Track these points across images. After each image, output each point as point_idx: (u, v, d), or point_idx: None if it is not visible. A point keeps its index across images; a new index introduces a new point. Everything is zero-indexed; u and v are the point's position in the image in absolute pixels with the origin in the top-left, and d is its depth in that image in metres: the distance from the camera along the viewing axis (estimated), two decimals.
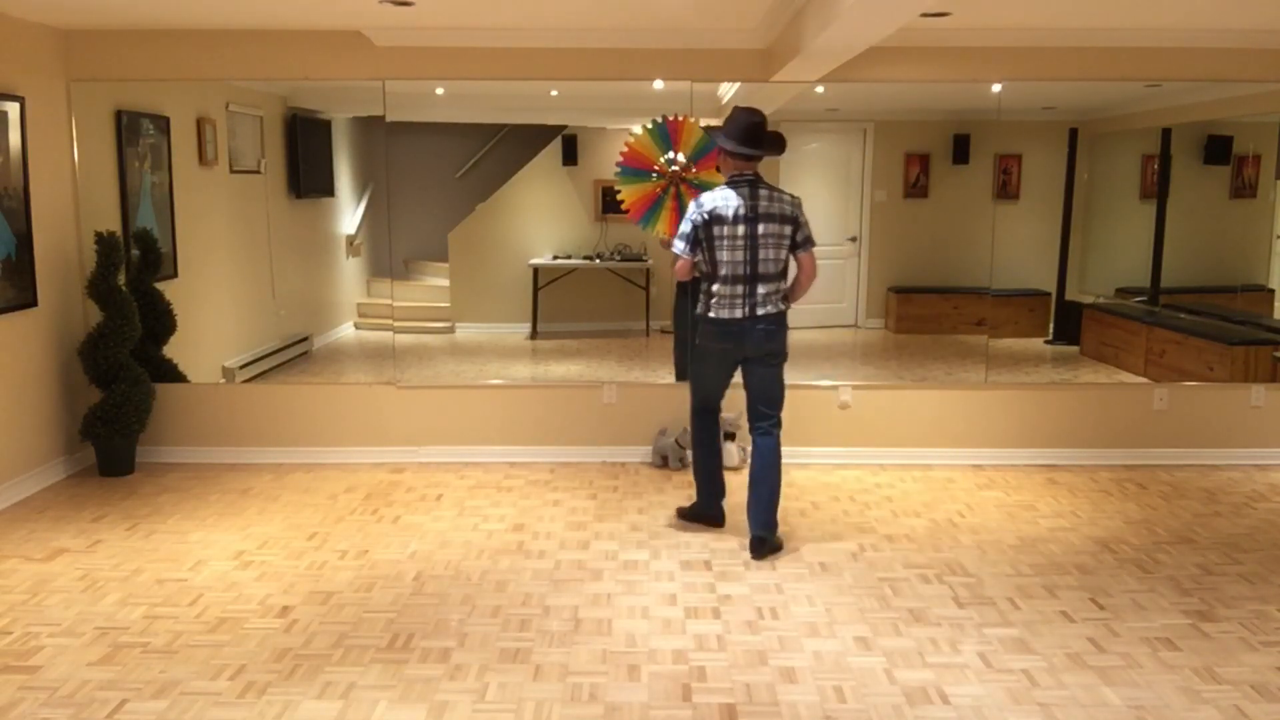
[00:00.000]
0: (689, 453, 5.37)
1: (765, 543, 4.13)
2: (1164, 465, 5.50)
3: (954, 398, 5.55)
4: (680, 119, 5.05)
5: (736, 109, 4.11)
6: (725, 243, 4.04)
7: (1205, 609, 3.65)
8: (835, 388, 5.54)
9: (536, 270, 6.38)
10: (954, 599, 3.73)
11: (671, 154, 5.10)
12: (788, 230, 4.07)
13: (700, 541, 4.32)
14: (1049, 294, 6.10)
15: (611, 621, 3.54)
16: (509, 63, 5.28)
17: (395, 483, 5.16)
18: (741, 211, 4.02)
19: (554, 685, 3.09)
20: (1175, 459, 5.55)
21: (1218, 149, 5.81)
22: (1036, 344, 6.11)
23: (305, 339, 6.01)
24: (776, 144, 4.17)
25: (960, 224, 5.89)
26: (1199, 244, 5.97)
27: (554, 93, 5.52)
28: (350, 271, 6.23)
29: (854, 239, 6.10)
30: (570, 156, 6.16)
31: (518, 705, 2.97)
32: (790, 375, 5.75)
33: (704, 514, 4.49)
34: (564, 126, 6.11)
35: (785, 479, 5.22)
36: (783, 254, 4.08)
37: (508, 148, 6.15)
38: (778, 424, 4.23)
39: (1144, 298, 6.02)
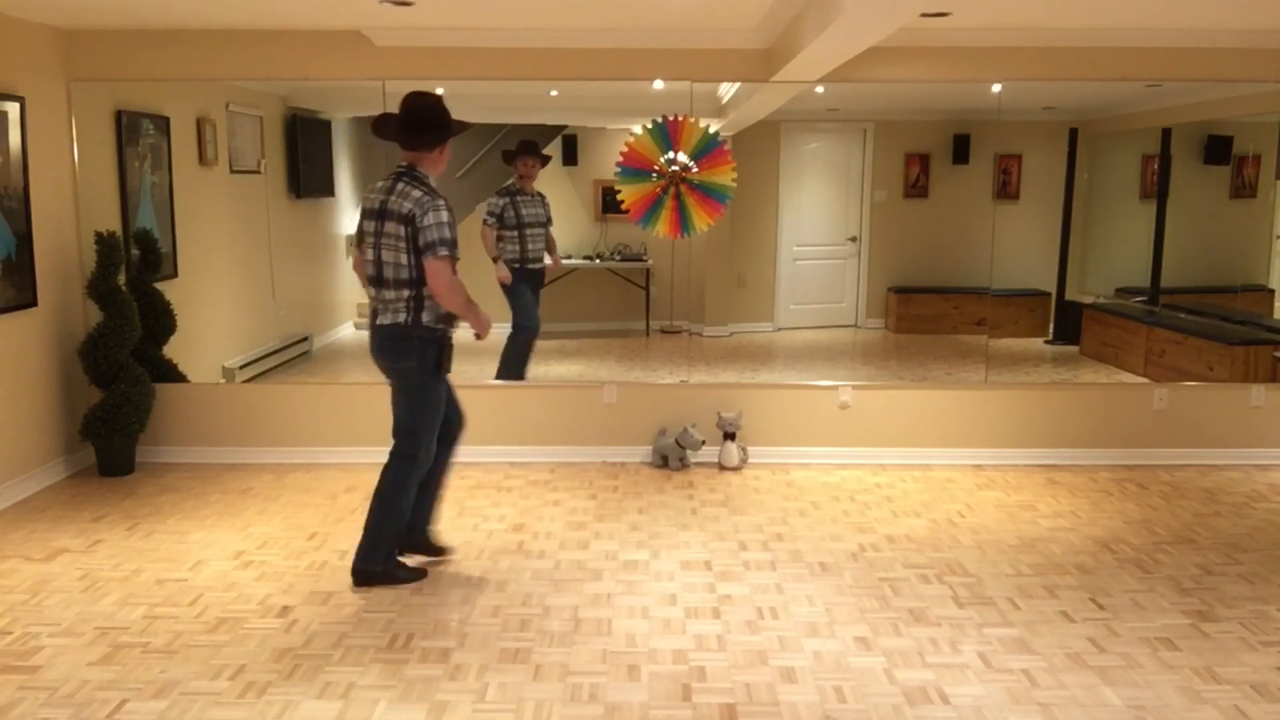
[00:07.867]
0: (689, 453, 5.38)
1: (358, 573, 3.82)
2: (1164, 465, 5.50)
3: (954, 398, 5.55)
4: (680, 119, 5.06)
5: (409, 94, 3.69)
6: (367, 239, 3.71)
7: (1205, 609, 3.65)
8: (835, 388, 5.54)
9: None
10: (954, 599, 3.73)
11: (671, 154, 5.11)
12: (403, 231, 3.57)
13: (700, 541, 4.32)
14: (1049, 294, 6.10)
15: (611, 621, 3.54)
16: (509, 63, 5.28)
17: None
18: (374, 206, 3.66)
19: (554, 685, 3.09)
20: (1175, 459, 5.55)
21: (1218, 149, 5.81)
22: (1036, 344, 6.12)
23: (305, 339, 6.01)
24: (429, 128, 3.63)
25: (960, 224, 5.90)
26: (1199, 244, 5.98)
27: (554, 93, 5.52)
28: (350, 271, 6.22)
29: (854, 239, 6.11)
30: (570, 157, 6.16)
31: (518, 705, 2.97)
32: (790, 375, 5.79)
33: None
34: (564, 126, 6.10)
35: (784, 478, 5.23)
36: (402, 258, 3.59)
37: (508, 148, 6.14)
38: (397, 452, 3.77)
39: (1144, 298, 6.03)
